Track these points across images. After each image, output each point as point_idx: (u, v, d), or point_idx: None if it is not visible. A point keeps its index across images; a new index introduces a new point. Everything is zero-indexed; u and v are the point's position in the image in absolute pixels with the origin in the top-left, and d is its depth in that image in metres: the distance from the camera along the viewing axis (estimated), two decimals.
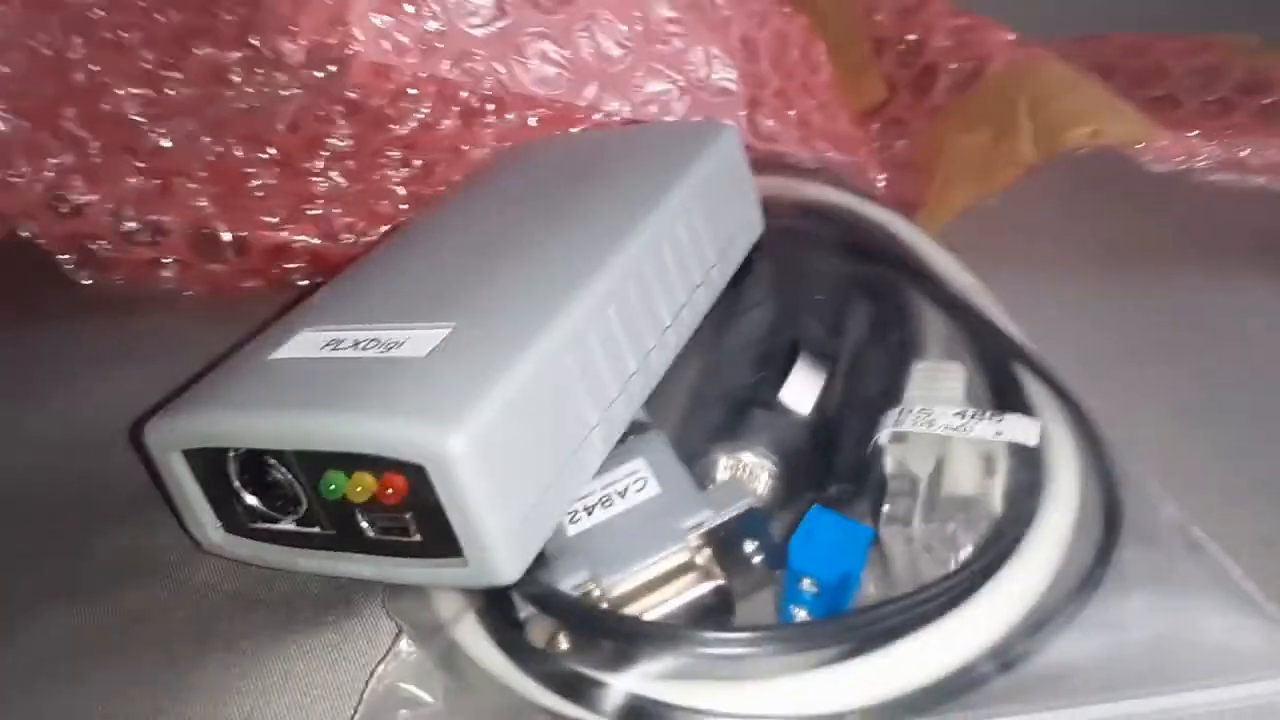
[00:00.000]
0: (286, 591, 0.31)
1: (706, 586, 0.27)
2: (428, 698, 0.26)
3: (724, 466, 0.31)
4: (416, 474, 0.24)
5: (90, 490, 0.36)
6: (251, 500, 0.28)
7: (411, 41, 0.36)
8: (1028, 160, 0.44)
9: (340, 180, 0.38)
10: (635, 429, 0.31)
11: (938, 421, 0.31)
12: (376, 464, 0.24)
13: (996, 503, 0.29)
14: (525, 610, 0.27)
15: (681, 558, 0.27)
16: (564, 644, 0.26)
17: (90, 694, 0.29)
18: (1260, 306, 0.42)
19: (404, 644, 0.28)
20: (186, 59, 0.40)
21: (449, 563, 0.25)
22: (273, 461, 0.27)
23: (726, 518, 0.27)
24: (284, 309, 0.33)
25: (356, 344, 0.27)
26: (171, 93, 0.40)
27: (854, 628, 0.25)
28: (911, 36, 0.53)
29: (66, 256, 0.42)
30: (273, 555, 0.28)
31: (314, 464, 0.26)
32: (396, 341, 0.27)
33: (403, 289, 0.31)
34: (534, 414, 0.26)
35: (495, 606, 0.26)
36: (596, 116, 0.39)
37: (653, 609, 0.26)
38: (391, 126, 0.38)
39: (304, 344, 0.28)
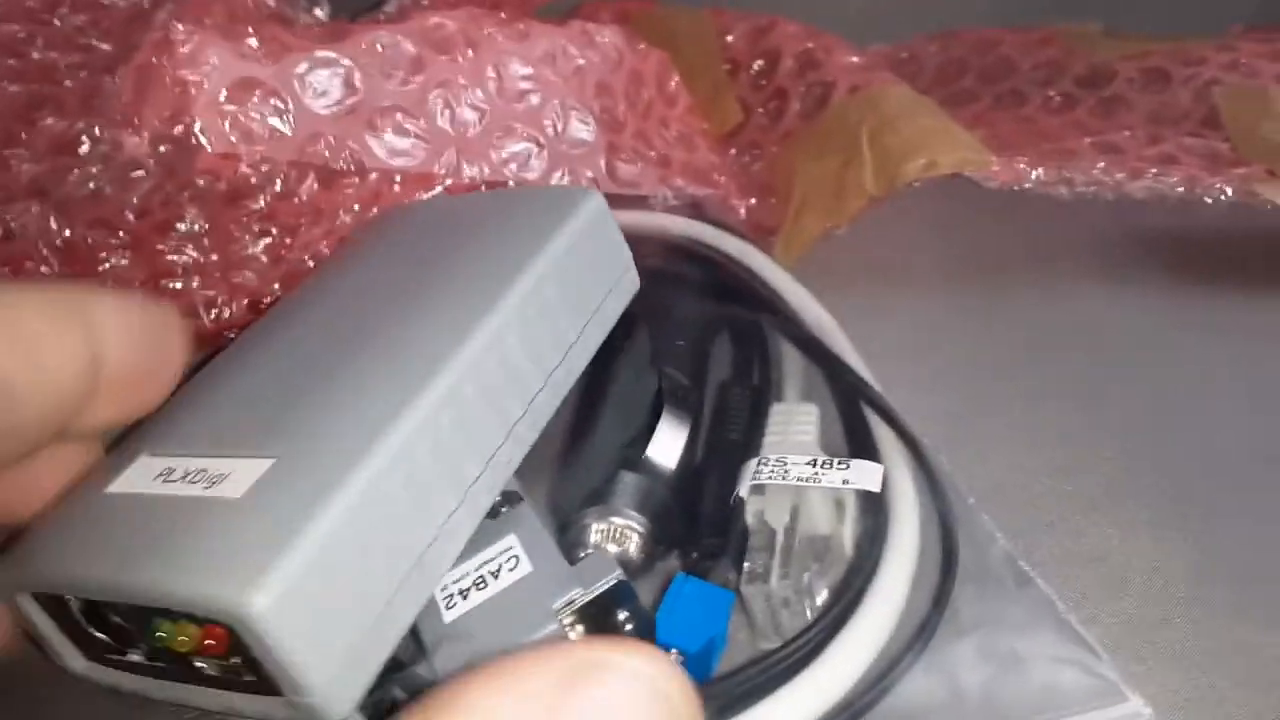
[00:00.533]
0: None
1: None
2: None
3: (595, 530, 0.33)
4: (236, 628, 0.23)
5: None
6: (100, 635, 0.27)
7: (259, 129, 0.36)
8: (870, 193, 0.46)
9: (196, 255, 0.38)
10: (508, 498, 0.32)
11: (791, 472, 0.32)
12: (189, 617, 0.24)
13: (848, 546, 0.32)
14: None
15: (555, 639, 0.28)
16: None
17: None
18: (1094, 318, 0.45)
19: None
20: (31, 130, 0.39)
21: (275, 701, 0.25)
22: (107, 606, 0.26)
23: (595, 594, 0.29)
24: None
25: (185, 476, 0.26)
26: (16, 168, 0.39)
27: (715, 696, 0.27)
28: (760, 62, 0.55)
29: None
30: (130, 683, 0.27)
31: (140, 613, 0.25)
32: (221, 474, 0.26)
33: (236, 409, 0.29)
34: (358, 546, 0.25)
35: (378, 706, 0.27)
36: (449, 182, 0.39)
37: None
38: (245, 202, 0.37)
39: (141, 473, 0.27)
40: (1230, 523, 0.34)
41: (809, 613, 0.30)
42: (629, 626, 0.29)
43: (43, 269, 0.38)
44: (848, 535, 0.32)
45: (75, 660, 0.28)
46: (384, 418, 0.27)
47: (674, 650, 0.28)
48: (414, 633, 0.29)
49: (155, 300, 0.30)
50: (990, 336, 0.43)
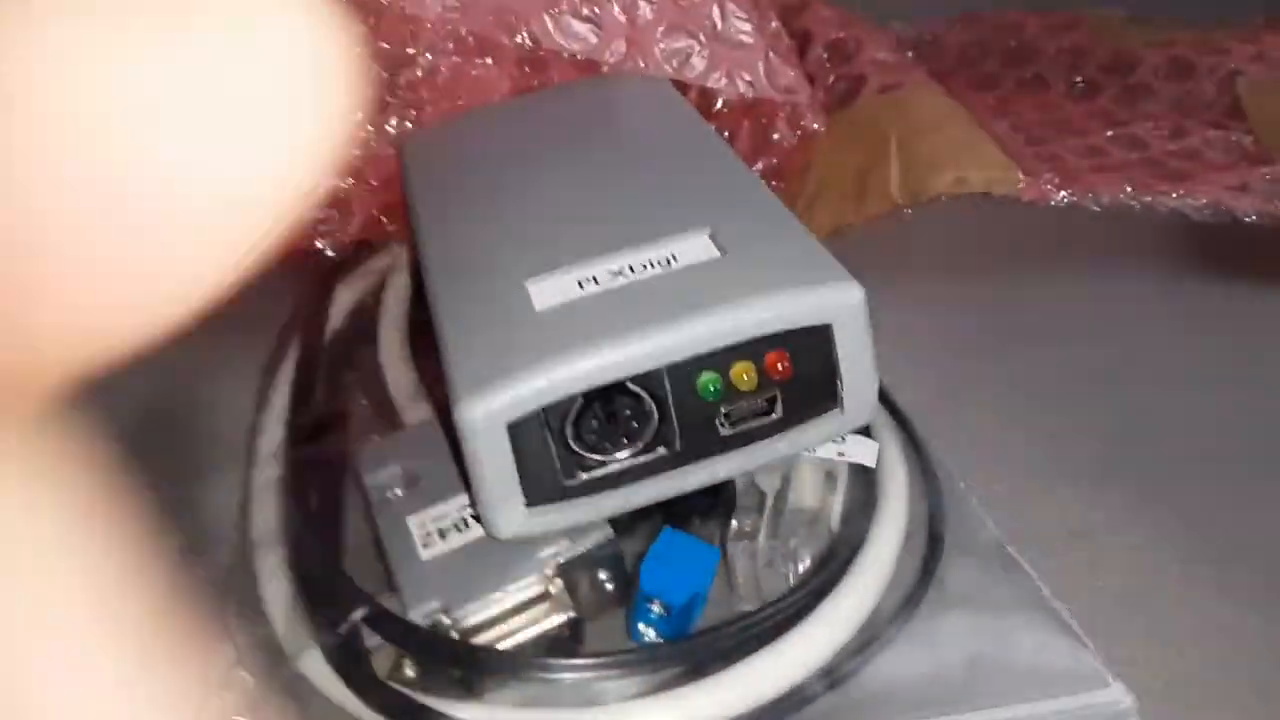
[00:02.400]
0: None
1: (559, 619, 0.28)
2: None
3: None
4: (809, 339, 0.26)
5: None
6: (593, 437, 0.26)
7: None
8: (895, 201, 0.45)
9: None
10: None
11: None
12: (757, 347, 0.26)
13: (835, 518, 0.31)
14: (372, 639, 0.27)
15: (536, 589, 0.28)
16: (410, 672, 0.27)
17: None
18: (1081, 307, 0.45)
19: (243, 674, 0.27)
20: None
21: (814, 424, 0.27)
22: (628, 393, 0.26)
23: (584, 549, 0.28)
24: None
25: (615, 273, 0.28)
26: None
27: (691, 651, 0.27)
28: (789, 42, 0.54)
29: None
30: (585, 510, 0.27)
31: (685, 374, 0.26)
32: (664, 257, 0.28)
33: (580, 222, 0.31)
34: None
35: (339, 637, 0.27)
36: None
37: (504, 639, 0.27)
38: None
39: (550, 293, 0.28)
40: (1215, 505, 0.34)
41: (791, 578, 0.30)
42: (608, 587, 0.29)
43: None
44: (836, 508, 0.32)
45: (513, 513, 0.26)
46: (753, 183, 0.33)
47: (658, 602, 0.27)
48: (386, 566, 0.29)
49: None
50: (978, 324, 0.43)
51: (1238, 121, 0.56)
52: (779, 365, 0.26)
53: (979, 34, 0.67)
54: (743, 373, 0.26)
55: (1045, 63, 0.65)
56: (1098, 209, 0.48)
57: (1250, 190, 0.48)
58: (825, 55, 0.53)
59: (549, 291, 0.28)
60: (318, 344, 0.39)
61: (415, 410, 0.35)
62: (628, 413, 0.26)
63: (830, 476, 0.32)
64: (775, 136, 0.49)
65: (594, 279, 0.28)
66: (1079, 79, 0.63)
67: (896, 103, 0.50)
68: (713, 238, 0.29)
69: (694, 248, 0.28)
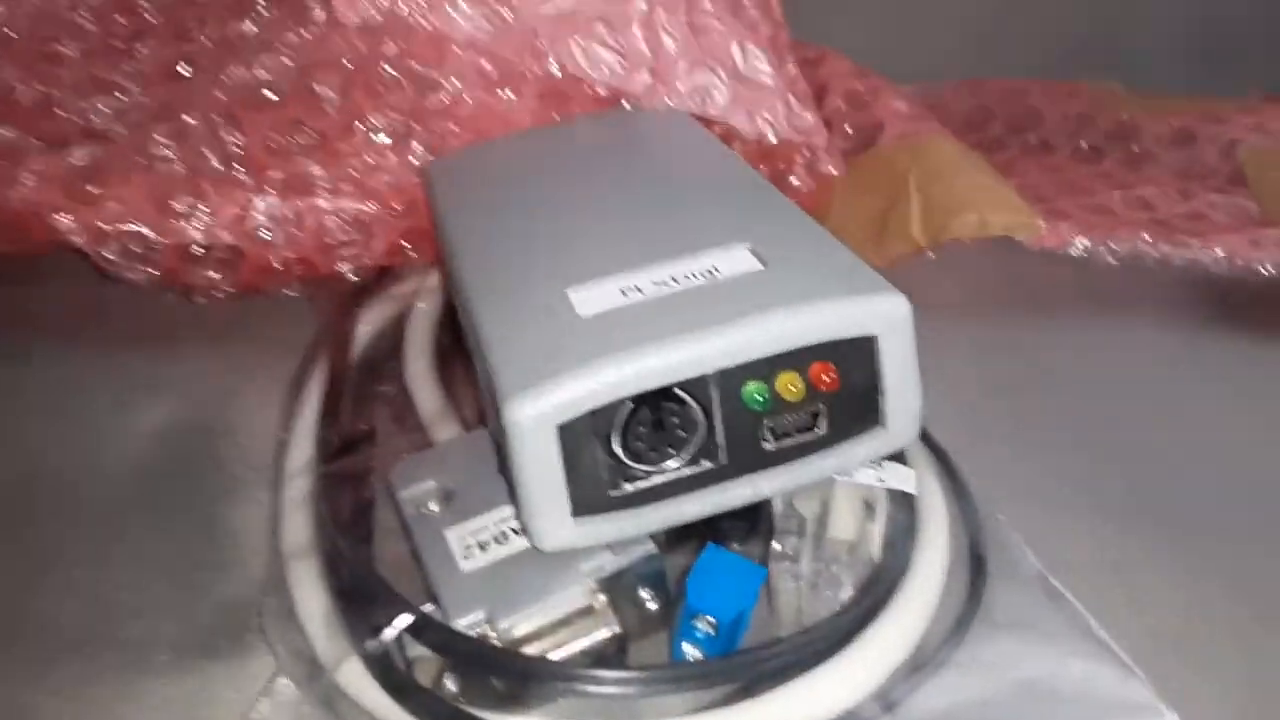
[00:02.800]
0: (138, 635, 0.30)
1: (604, 633, 0.27)
2: None
3: None
4: (855, 350, 0.26)
5: None
6: (639, 445, 0.26)
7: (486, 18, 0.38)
8: (917, 243, 0.46)
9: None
10: None
11: None
12: (802, 358, 0.26)
13: (876, 546, 0.31)
14: (414, 650, 0.26)
15: (579, 602, 0.27)
16: (452, 686, 0.26)
17: None
18: (1112, 347, 0.45)
19: (281, 684, 0.27)
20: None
21: (858, 441, 0.27)
22: (675, 400, 0.26)
23: (626, 563, 0.28)
24: None
25: (657, 283, 0.28)
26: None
27: (746, 666, 0.26)
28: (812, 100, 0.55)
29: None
30: (630, 522, 0.27)
31: (732, 382, 0.26)
32: (706, 268, 0.28)
33: (618, 235, 0.31)
34: None
35: (381, 645, 0.26)
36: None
37: (548, 653, 0.26)
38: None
39: (594, 300, 0.28)
40: (1250, 539, 0.34)
41: (836, 602, 0.29)
42: (653, 605, 0.29)
43: None
44: (877, 537, 0.31)
45: (559, 523, 0.26)
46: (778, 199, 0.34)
47: (704, 619, 0.27)
48: (424, 578, 0.28)
49: None
50: (1004, 366, 0.43)
51: (1240, 188, 0.58)
52: (824, 377, 0.27)
53: (983, 99, 0.69)
54: (789, 383, 0.26)
55: (1050, 128, 0.66)
56: (1115, 261, 0.49)
57: (1262, 245, 0.49)
58: (843, 105, 0.55)
59: (592, 299, 0.28)
60: (344, 364, 0.39)
61: (444, 429, 0.35)
62: (675, 420, 0.26)
63: (869, 506, 0.32)
64: (794, 182, 0.49)
65: (637, 288, 0.28)
66: (1083, 144, 0.65)
67: (915, 148, 0.51)
68: (753, 251, 0.29)
69: (736, 260, 0.29)
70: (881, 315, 0.27)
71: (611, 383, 0.25)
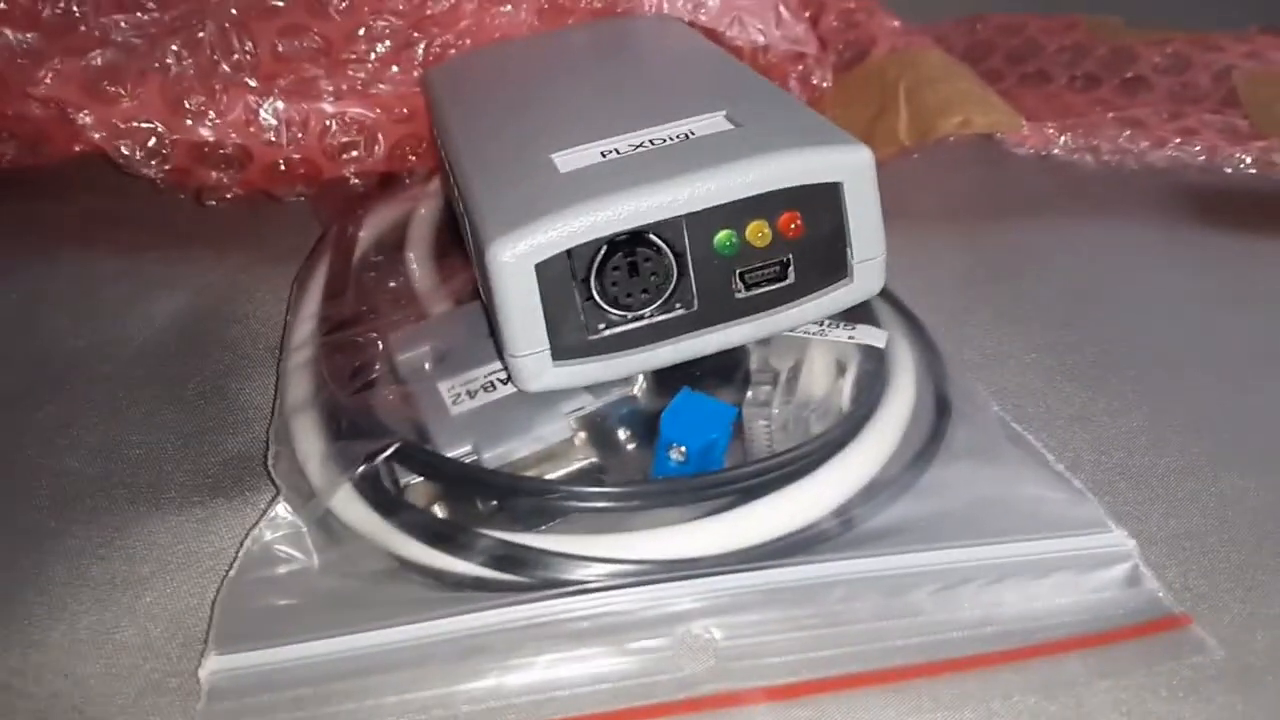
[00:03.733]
0: (152, 479, 0.32)
1: (582, 463, 0.29)
2: (303, 557, 0.28)
3: None
4: (820, 198, 0.28)
5: None
6: (615, 289, 0.28)
7: None
8: (902, 142, 0.47)
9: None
10: None
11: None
12: (771, 205, 0.28)
13: (846, 400, 0.32)
14: (404, 478, 0.28)
15: (560, 438, 0.29)
16: (440, 512, 0.28)
17: None
18: (1081, 242, 0.46)
19: (280, 509, 0.29)
20: None
21: (824, 292, 0.29)
22: (648, 246, 0.27)
23: (604, 403, 0.29)
24: None
25: (635, 146, 0.29)
26: None
27: (714, 485, 0.28)
28: (806, 12, 0.56)
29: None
30: (608, 366, 0.28)
31: (703, 228, 0.28)
32: (683, 132, 0.30)
33: (602, 111, 0.32)
34: None
35: (372, 468, 0.28)
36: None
37: None
38: None
39: (575, 161, 0.29)
40: (1210, 395, 0.35)
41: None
42: (630, 446, 0.30)
43: None
44: (847, 390, 0.33)
45: (541, 365, 0.28)
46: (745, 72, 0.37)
47: (676, 447, 0.28)
48: (417, 424, 0.30)
49: None
50: (979, 259, 0.45)
51: (1233, 109, 0.59)
52: (792, 225, 0.28)
53: (984, 34, 0.70)
54: (758, 230, 0.28)
55: (1047, 59, 0.67)
56: (1096, 161, 0.50)
57: (1245, 145, 0.50)
58: (837, 23, 0.56)
59: (573, 160, 0.29)
60: (348, 257, 0.41)
61: (440, 304, 0.37)
62: (649, 266, 0.28)
63: (840, 366, 0.33)
64: None
65: (616, 150, 0.29)
66: (1079, 73, 0.66)
67: (905, 58, 0.52)
68: (728, 117, 0.30)
69: (711, 124, 0.30)
70: (846, 164, 0.28)
71: (586, 224, 0.27)
